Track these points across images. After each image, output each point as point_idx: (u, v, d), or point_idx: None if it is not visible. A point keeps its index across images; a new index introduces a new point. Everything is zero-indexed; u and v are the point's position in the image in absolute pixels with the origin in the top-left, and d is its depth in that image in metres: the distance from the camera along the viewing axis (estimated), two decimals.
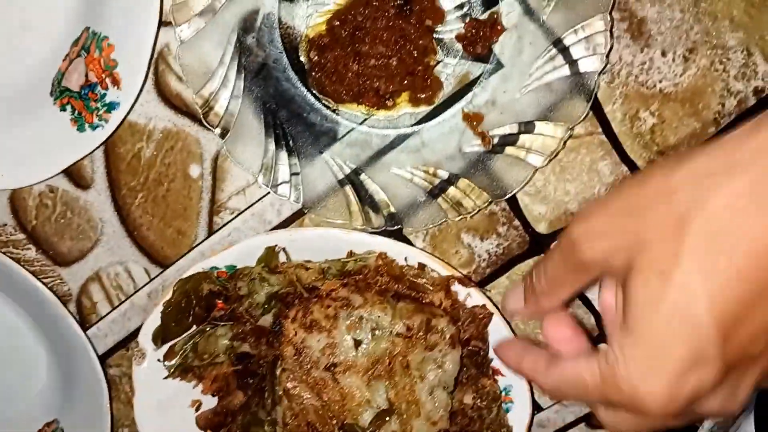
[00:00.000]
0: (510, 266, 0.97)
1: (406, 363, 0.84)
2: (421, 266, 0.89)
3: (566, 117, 0.80)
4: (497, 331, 0.91)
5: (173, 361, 0.95)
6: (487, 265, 0.97)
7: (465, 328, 0.89)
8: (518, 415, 0.96)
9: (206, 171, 0.97)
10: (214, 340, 0.94)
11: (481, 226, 0.94)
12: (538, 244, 0.95)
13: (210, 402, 0.99)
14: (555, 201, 0.92)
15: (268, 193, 0.91)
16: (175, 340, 0.95)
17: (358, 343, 0.85)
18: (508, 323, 0.89)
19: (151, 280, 1.04)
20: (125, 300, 1.07)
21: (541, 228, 0.95)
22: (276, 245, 0.89)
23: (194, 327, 0.94)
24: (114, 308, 1.07)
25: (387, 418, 0.83)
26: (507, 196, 0.84)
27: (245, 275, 0.90)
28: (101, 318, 1.08)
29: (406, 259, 0.89)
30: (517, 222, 0.94)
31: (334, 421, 0.82)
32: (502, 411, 0.95)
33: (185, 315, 0.93)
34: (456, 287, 0.90)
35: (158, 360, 0.96)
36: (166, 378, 0.96)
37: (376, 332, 0.84)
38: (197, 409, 1.02)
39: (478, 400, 0.92)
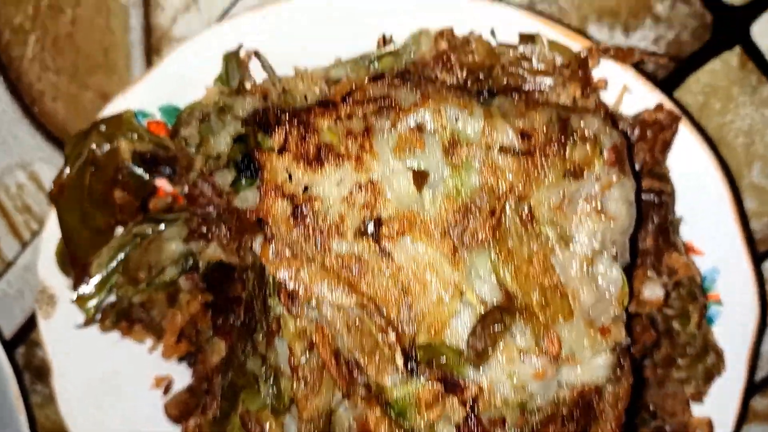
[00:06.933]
0: (681, 76, 0.66)
1: (527, 210, 0.47)
2: (527, 40, 0.55)
3: None
4: (685, 153, 0.57)
5: (91, 291, 0.63)
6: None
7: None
8: (733, 327, 0.62)
9: None
10: (158, 246, 0.62)
11: (623, 6, 0.67)
12: (728, 27, 0.66)
13: (182, 375, 0.71)
14: None
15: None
16: (97, 256, 0.65)
17: (421, 178, 0.48)
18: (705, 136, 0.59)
19: None
20: (41, 229, 0.77)
21: None
22: (240, 47, 0.58)
23: (121, 229, 0.65)
24: (26, 245, 0.82)
25: (503, 325, 0.47)
26: None
27: (193, 116, 0.59)
28: (9, 265, 0.83)
29: (493, 32, 0.56)
30: None
31: (391, 340, 0.46)
32: (705, 322, 0.61)
33: (98, 204, 0.61)
34: (601, 72, 0.55)
35: (72, 301, 0.66)
36: (83, 326, 0.65)
37: (457, 152, 0.48)
38: (166, 390, 0.72)
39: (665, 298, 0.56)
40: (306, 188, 0.48)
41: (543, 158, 0.47)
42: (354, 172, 0.48)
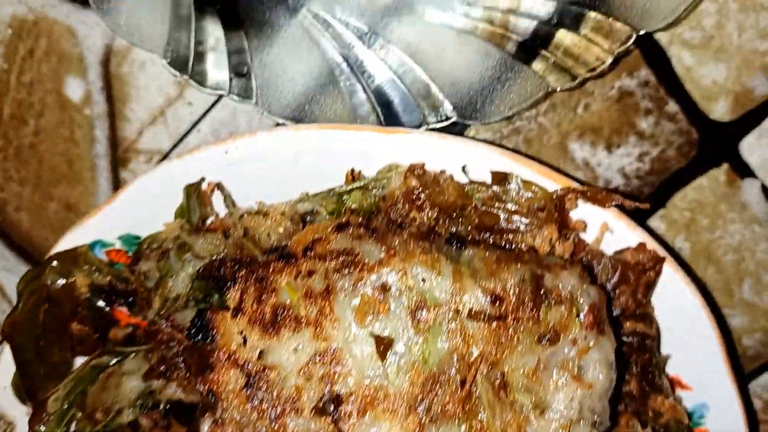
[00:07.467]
0: (667, 193, 0.65)
1: (499, 378, 0.44)
2: (500, 179, 0.53)
3: None
4: (671, 297, 0.54)
5: (48, 428, 0.57)
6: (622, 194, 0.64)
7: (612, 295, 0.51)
8: None
9: (94, 87, 0.69)
10: (116, 382, 0.56)
11: (605, 123, 0.64)
12: (714, 144, 0.64)
13: None
14: (741, 53, 0.62)
15: (209, 110, 0.67)
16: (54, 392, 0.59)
17: (385, 345, 0.45)
18: (694, 279, 0.55)
19: None
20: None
21: (719, 111, 0.63)
22: (202, 179, 0.56)
23: (77, 361, 0.60)
24: None
25: None
26: (660, 27, 0.56)
27: (154, 249, 0.56)
28: None
29: (464, 169, 0.54)
30: (673, 105, 0.62)
31: None
32: None
33: (54, 340, 0.57)
34: (579, 213, 0.53)
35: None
36: None
37: (423, 316, 0.45)
38: None
39: None
40: (261, 354, 0.44)
41: (516, 323, 0.43)
42: (312, 339, 0.44)
